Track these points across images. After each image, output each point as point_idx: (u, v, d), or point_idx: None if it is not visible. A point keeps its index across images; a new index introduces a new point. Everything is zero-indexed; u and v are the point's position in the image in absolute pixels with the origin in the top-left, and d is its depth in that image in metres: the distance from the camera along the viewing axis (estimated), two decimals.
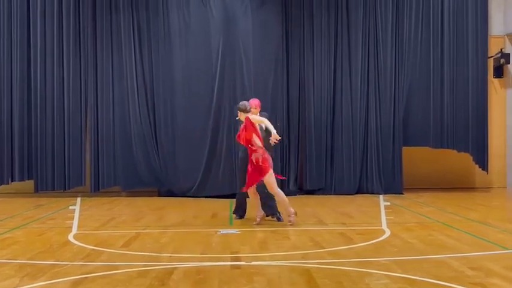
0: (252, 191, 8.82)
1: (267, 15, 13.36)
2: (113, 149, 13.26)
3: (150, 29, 13.34)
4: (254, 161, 8.55)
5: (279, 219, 9.09)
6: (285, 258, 6.47)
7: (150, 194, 13.26)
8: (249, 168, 8.66)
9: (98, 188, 13.26)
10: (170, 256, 6.65)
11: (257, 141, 8.61)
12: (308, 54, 13.54)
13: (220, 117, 13.07)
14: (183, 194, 13.02)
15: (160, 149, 13.25)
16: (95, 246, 7.22)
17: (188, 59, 13.22)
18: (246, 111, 8.98)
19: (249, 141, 8.64)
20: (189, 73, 13.22)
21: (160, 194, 13.39)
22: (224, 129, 13.04)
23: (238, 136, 8.85)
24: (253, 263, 6.23)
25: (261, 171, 8.54)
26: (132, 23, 13.29)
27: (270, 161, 8.67)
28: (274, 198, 8.97)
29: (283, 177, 9.26)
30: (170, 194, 13.19)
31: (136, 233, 8.27)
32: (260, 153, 8.57)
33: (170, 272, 5.86)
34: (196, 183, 13.02)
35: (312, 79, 13.53)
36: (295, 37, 13.56)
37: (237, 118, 9.11)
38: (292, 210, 8.76)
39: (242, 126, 8.83)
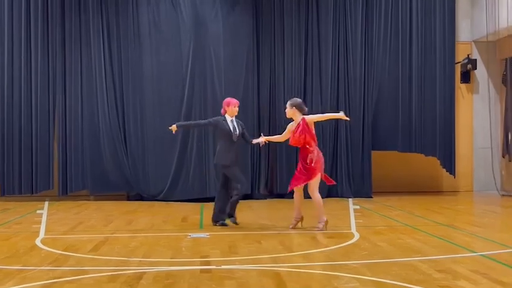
0: (298, 191, 8.62)
1: (238, 18, 13.39)
2: (82, 152, 13.13)
3: (119, 31, 13.26)
4: (309, 161, 8.32)
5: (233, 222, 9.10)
6: (255, 262, 6.47)
7: (119, 198, 13.15)
8: (300, 167, 8.44)
9: (66, 191, 13.11)
10: (140, 261, 6.60)
11: (312, 143, 8.44)
12: (279, 58, 13.59)
13: (190, 120, 13.01)
14: (153, 198, 12.94)
15: (130, 152, 13.15)
16: (63, 250, 7.12)
17: (158, 62, 13.17)
18: (302, 110, 8.63)
19: (308, 143, 8.39)
20: (159, 76, 13.16)
21: (129, 198, 13.29)
22: (195, 132, 13.02)
23: (294, 139, 8.50)
24: (223, 267, 6.22)
25: (311, 173, 8.34)
26: (101, 24, 13.19)
27: (322, 161, 8.53)
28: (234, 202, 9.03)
29: (334, 182, 9.07)
30: (139, 198, 13.11)
31: (105, 237, 8.18)
32: (315, 154, 8.37)
33: (139, 276, 5.81)
34: (166, 187, 12.96)
35: (283, 83, 13.58)
36: (265, 40, 13.60)
37: (288, 117, 8.71)
38: (324, 218, 8.54)
39: (295, 128, 8.49)
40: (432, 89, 13.80)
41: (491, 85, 14.42)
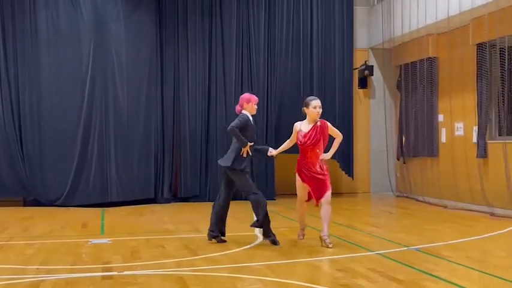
0: (306, 203, 7.92)
1: (141, 19, 13.19)
2: None
3: (15, 30, 12.69)
4: (319, 167, 7.58)
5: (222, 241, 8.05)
6: (158, 266, 6.40)
7: (14, 204, 12.59)
8: (314, 176, 7.57)
9: None
10: (37, 268, 6.36)
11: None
12: (183, 61, 13.53)
13: (91, 123, 12.72)
14: (51, 203, 12.49)
15: (26, 155, 12.63)
16: None
17: (57, 62, 12.74)
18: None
19: (319, 148, 7.65)
20: (58, 77, 12.73)
21: (26, 204, 12.75)
22: (95, 136, 12.71)
23: (315, 143, 7.63)
24: (125, 272, 6.11)
25: (327, 180, 7.55)
26: None
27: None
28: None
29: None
30: (37, 203, 12.61)
31: None
32: (324, 162, 7.70)
33: (37, 284, 5.60)
34: (66, 192, 12.55)
35: (187, 86, 13.53)
36: (169, 41, 13.49)
37: (318, 112, 7.71)
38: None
39: (312, 130, 7.65)
40: (332, 94, 14.23)
41: (386, 90, 15.06)
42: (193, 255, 7.07)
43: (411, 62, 13.85)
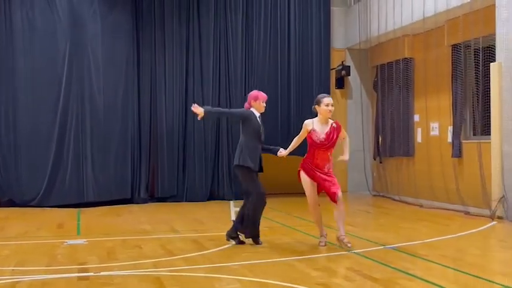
0: (319, 206, 7.61)
1: (117, 19, 13.11)
2: None
3: None
4: (328, 168, 7.35)
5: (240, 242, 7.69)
6: (135, 267, 6.37)
7: None
8: (326, 175, 7.33)
9: None
10: (12, 269, 6.28)
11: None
12: (160, 61, 13.47)
13: (67, 123, 12.61)
14: (26, 204, 12.34)
15: (1, 155, 12.47)
16: None
17: (33, 61, 12.60)
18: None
19: (331, 151, 7.40)
20: (34, 76, 12.59)
21: (0, 204, 12.57)
22: (71, 135, 12.60)
23: (333, 142, 7.39)
24: (101, 273, 6.07)
25: (336, 182, 7.34)
26: None
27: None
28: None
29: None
30: (12, 204, 12.44)
31: None
32: (332, 163, 7.45)
33: (12, 286, 5.54)
34: (41, 192, 12.41)
35: (164, 86, 13.48)
36: (146, 43, 13.42)
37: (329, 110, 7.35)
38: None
39: (331, 131, 7.34)
40: (309, 94, 14.26)
41: (363, 91, 15.16)
42: (170, 255, 7.05)
43: (387, 63, 13.98)
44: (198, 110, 7.39)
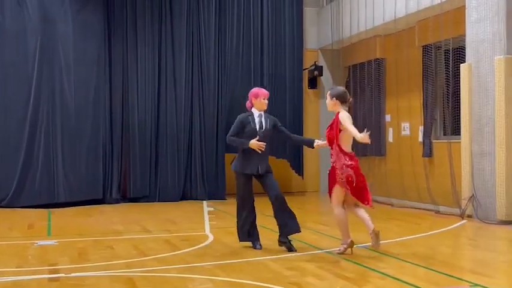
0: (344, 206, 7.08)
1: (88, 19, 12.99)
2: None
3: None
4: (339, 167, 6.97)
5: (290, 249, 7.16)
6: (107, 268, 6.32)
7: None
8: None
9: None
10: None
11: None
12: (132, 61, 13.38)
13: (38, 123, 12.47)
14: None
15: None
16: None
17: (3, 61, 12.45)
18: (345, 101, 6.98)
19: (336, 141, 6.91)
20: (3, 76, 12.44)
21: None
22: (42, 135, 12.47)
23: (331, 135, 7.02)
24: (72, 274, 6.01)
25: (334, 179, 7.03)
26: None
27: (349, 172, 6.91)
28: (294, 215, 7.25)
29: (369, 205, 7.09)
30: None
31: None
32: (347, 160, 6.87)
33: None
34: (11, 193, 12.24)
35: (136, 85, 13.39)
36: (118, 42, 13.32)
37: (329, 110, 7.19)
38: (348, 239, 6.95)
39: (333, 122, 6.97)
40: (282, 94, 14.33)
41: None
42: (142, 256, 7.01)
43: (359, 63, 14.08)
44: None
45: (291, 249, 7.10)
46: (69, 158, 12.64)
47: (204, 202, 13.02)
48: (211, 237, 8.24)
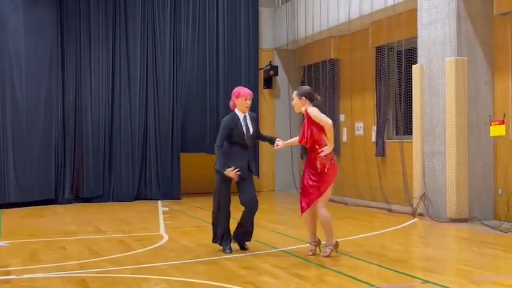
0: (309, 212, 6.78)
1: (40, 14, 12.73)
2: None
3: None
4: (319, 167, 6.54)
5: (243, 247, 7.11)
6: (59, 269, 6.22)
7: None
8: (308, 180, 6.65)
9: None
10: None
11: (322, 141, 6.60)
12: (85, 58, 13.19)
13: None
14: None
15: None
16: None
17: None
18: (313, 99, 6.67)
19: (318, 142, 6.57)
20: None
21: None
22: None
23: (302, 137, 6.68)
24: (24, 276, 5.89)
25: (323, 183, 6.56)
26: None
27: (336, 169, 6.70)
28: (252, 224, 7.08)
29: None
30: None
31: None
32: (329, 158, 6.56)
33: None
34: None
35: (90, 83, 13.21)
36: (71, 39, 13.10)
37: (297, 110, 6.79)
38: (333, 241, 6.68)
39: (304, 122, 6.67)
40: None
41: (291, 90, 15.27)
42: (96, 256, 6.92)
43: (314, 63, 14.22)
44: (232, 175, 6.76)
45: (243, 247, 7.11)
46: (20, 157, 12.36)
47: (159, 202, 12.93)
48: (166, 237, 8.19)
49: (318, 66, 14.03)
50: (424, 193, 9.97)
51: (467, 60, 9.45)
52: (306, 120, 6.65)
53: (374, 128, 12.01)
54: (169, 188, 13.66)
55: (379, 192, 11.58)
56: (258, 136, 7.22)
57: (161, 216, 10.62)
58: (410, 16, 10.63)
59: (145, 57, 13.62)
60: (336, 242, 6.70)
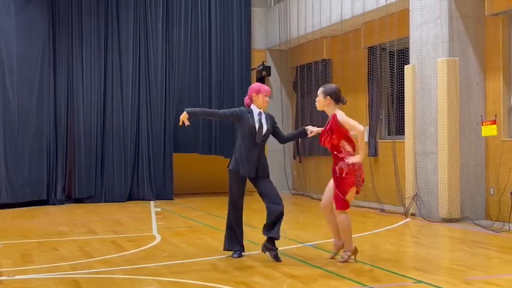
0: (329, 211, 6.56)
1: (32, 14, 12.68)
2: None
3: None
4: (338, 171, 6.36)
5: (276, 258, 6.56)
6: (52, 270, 6.19)
7: None
8: (332, 180, 6.50)
9: None
10: None
11: (347, 147, 6.48)
12: (77, 58, 13.16)
13: None
14: None
15: None
16: None
17: None
18: (339, 101, 6.57)
19: (336, 148, 6.48)
20: None
21: None
22: None
23: (322, 138, 6.58)
24: (16, 277, 5.86)
25: (340, 189, 6.32)
26: None
27: (359, 174, 6.39)
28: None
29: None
30: None
31: None
32: (346, 163, 6.34)
33: None
34: None
35: (82, 83, 13.18)
36: (63, 40, 13.07)
37: (320, 109, 6.69)
38: (352, 246, 6.40)
39: (327, 124, 6.50)
40: (230, 95, 14.34)
41: (283, 91, 15.36)
42: (88, 257, 6.90)
43: (306, 64, 14.23)
44: (182, 116, 6.61)
45: (277, 258, 6.52)
46: (12, 158, 12.32)
47: (151, 202, 12.90)
48: (158, 238, 8.17)
49: (310, 66, 14.05)
50: (417, 193, 10.00)
51: (459, 61, 9.49)
52: (329, 123, 6.46)
53: (366, 128, 12.03)
54: (161, 189, 13.64)
55: (372, 193, 11.60)
56: (285, 138, 7.19)
57: (154, 216, 10.60)
58: (402, 16, 10.66)
59: (138, 57, 13.59)
60: (355, 248, 6.42)
